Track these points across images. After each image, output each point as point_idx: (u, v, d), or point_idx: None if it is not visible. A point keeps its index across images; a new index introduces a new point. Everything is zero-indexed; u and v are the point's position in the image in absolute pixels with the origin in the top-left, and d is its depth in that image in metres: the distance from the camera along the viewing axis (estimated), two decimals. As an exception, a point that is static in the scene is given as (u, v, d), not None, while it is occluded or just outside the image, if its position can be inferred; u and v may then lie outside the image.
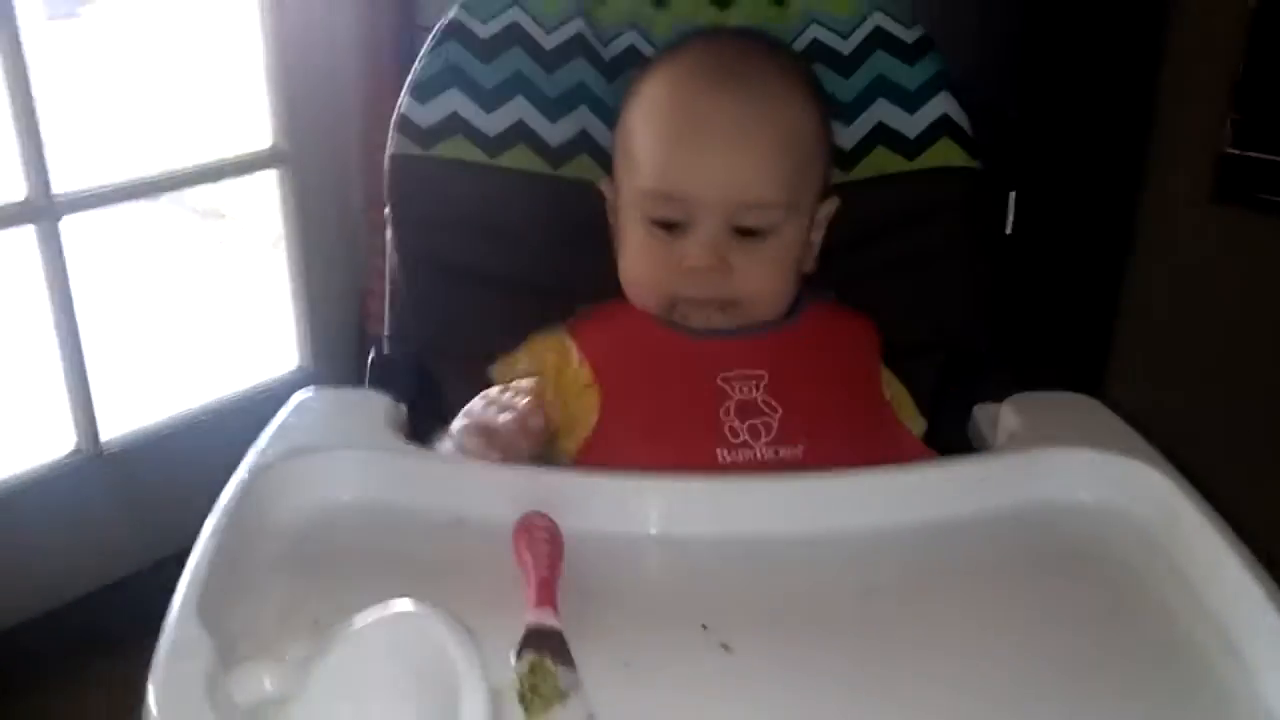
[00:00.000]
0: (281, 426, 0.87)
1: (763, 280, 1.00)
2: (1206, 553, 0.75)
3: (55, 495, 1.83)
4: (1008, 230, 1.69)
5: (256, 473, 0.81)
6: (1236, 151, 1.83)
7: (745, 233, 0.98)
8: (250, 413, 0.90)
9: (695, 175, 0.97)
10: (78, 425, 1.87)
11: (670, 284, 1.00)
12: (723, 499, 0.82)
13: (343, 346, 2.16)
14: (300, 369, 2.18)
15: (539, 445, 0.91)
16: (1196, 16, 1.84)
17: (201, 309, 2.97)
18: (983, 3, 1.68)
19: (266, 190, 2.11)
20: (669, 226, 0.99)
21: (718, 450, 0.94)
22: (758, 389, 0.97)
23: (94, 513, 1.87)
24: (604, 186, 1.08)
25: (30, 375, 2.06)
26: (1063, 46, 1.71)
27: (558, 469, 0.92)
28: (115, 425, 1.92)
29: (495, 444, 0.88)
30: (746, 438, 0.95)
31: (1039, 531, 0.83)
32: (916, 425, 1.06)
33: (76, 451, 1.88)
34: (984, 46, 1.66)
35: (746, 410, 0.96)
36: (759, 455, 0.94)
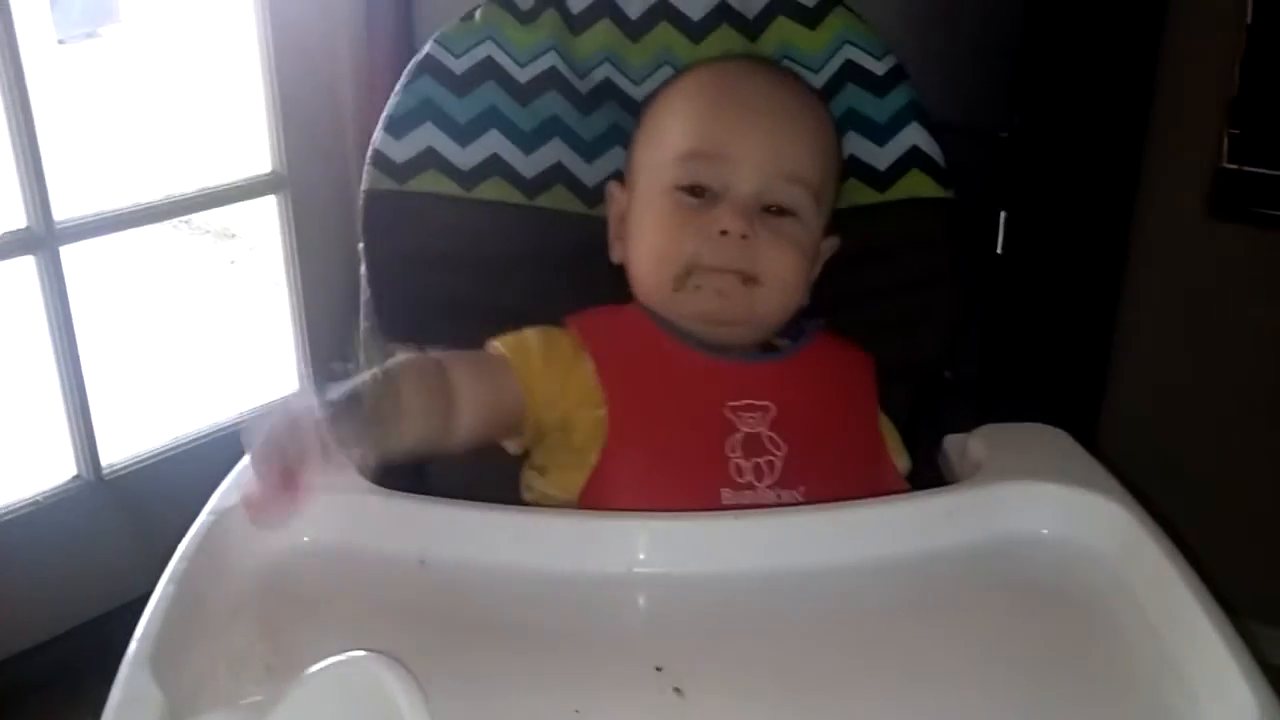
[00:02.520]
0: (246, 467, 0.87)
1: (785, 261, 0.99)
2: (1164, 588, 0.74)
3: (57, 522, 1.84)
4: (998, 250, 1.68)
5: (217, 516, 0.81)
6: (1234, 167, 1.82)
7: (773, 212, 0.99)
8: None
9: (737, 138, 0.99)
10: (79, 451, 1.88)
11: (693, 251, 0.98)
12: (683, 538, 0.82)
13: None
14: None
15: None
16: (1192, 31, 1.82)
17: (207, 330, 2.99)
18: (975, 22, 1.67)
19: (272, 212, 2.13)
20: (698, 196, 0.99)
21: (722, 490, 0.93)
22: (764, 422, 0.96)
23: (96, 539, 1.88)
24: (613, 188, 1.08)
25: (31, 401, 2.08)
26: (1055, 64, 1.70)
27: (519, 510, 0.90)
28: (117, 450, 1.93)
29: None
30: (751, 478, 0.94)
31: (1002, 566, 0.82)
32: (902, 462, 1.05)
33: (77, 478, 1.89)
34: (975, 66, 1.65)
35: (752, 447, 0.95)
36: (761, 497, 0.94)
